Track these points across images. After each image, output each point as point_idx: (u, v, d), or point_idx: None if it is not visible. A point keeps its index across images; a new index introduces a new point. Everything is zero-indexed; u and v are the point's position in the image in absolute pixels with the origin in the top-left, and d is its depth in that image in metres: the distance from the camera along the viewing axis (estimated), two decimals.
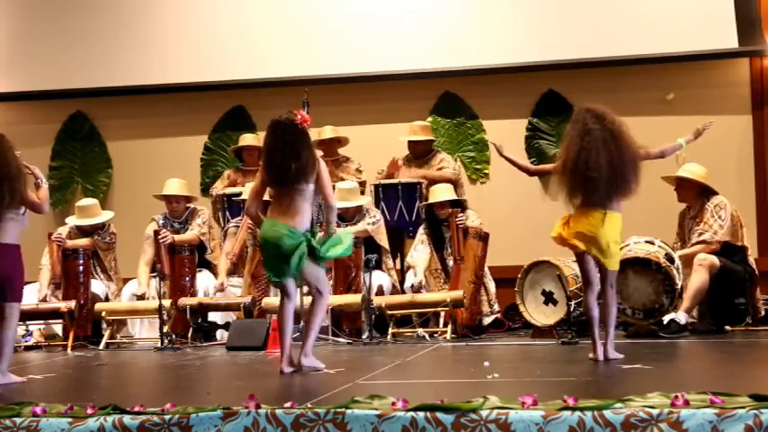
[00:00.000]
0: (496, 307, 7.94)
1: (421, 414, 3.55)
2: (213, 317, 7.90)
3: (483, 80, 9.40)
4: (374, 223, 8.05)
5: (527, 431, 3.45)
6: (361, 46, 9.48)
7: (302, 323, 5.62)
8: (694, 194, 7.40)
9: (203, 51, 9.74)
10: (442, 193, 7.98)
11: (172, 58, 9.82)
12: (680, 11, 8.92)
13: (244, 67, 9.63)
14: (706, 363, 5.90)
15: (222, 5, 9.80)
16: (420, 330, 7.48)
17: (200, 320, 7.75)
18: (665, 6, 8.97)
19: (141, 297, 8.03)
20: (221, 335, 7.68)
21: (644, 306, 7.00)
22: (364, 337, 7.22)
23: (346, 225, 8.08)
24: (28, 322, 7.66)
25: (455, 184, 8.33)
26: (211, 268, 8.44)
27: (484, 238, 7.72)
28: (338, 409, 3.62)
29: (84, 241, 8.21)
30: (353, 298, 7.45)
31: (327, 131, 8.76)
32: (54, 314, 7.65)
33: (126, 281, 8.45)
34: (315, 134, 8.58)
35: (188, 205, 8.51)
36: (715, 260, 7.04)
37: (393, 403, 3.64)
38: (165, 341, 7.25)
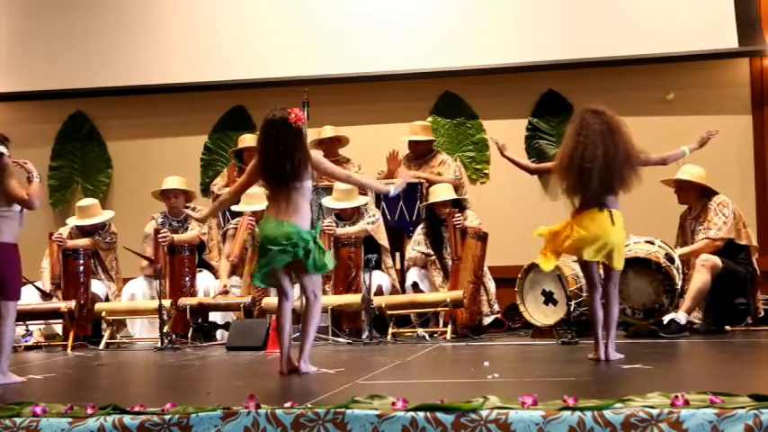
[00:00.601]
0: (496, 307, 7.94)
1: (421, 414, 3.55)
2: (213, 317, 7.90)
3: (483, 80, 9.40)
4: (373, 222, 8.06)
5: (527, 431, 3.45)
6: (361, 46, 9.48)
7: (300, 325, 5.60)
8: (695, 196, 7.41)
9: (203, 51, 9.74)
10: (442, 192, 7.98)
11: (172, 58, 9.82)
12: (680, 11, 8.92)
13: (244, 67, 9.63)
14: (706, 363, 5.90)
15: (222, 5, 9.80)
16: (420, 330, 7.48)
17: (200, 320, 7.75)
18: (665, 6, 8.97)
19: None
20: (221, 335, 7.68)
21: (644, 306, 7.00)
22: (364, 337, 7.22)
23: (344, 225, 8.08)
24: (28, 322, 7.66)
25: (457, 186, 8.32)
26: (211, 268, 8.44)
27: (483, 238, 7.72)
28: (338, 409, 3.62)
29: (84, 241, 8.21)
30: (353, 298, 7.45)
31: (328, 131, 8.76)
32: (54, 314, 7.65)
33: (126, 281, 8.45)
34: (315, 134, 8.62)
35: (187, 204, 8.51)
36: (717, 261, 7.04)
37: (393, 403, 3.63)
38: (165, 341, 7.25)
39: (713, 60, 9.06)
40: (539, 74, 9.31)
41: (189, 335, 7.58)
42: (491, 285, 7.94)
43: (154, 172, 9.44)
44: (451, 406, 3.56)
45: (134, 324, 8.21)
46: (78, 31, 9.97)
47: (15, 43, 10.13)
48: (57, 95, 10.08)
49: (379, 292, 7.69)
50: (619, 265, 5.48)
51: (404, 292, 7.94)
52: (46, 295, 8.00)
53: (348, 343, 7.17)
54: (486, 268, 7.87)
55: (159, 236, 8.02)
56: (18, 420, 3.83)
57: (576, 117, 5.51)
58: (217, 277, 8.30)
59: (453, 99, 9.60)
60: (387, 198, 8.33)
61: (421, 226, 8.11)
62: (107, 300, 8.18)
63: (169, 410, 3.77)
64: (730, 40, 8.84)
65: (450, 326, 7.38)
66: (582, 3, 9.23)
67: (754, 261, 7.37)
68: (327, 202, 8.08)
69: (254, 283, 5.80)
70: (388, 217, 8.30)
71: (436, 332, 7.49)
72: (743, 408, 3.38)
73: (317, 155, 5.51)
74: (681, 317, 6.85)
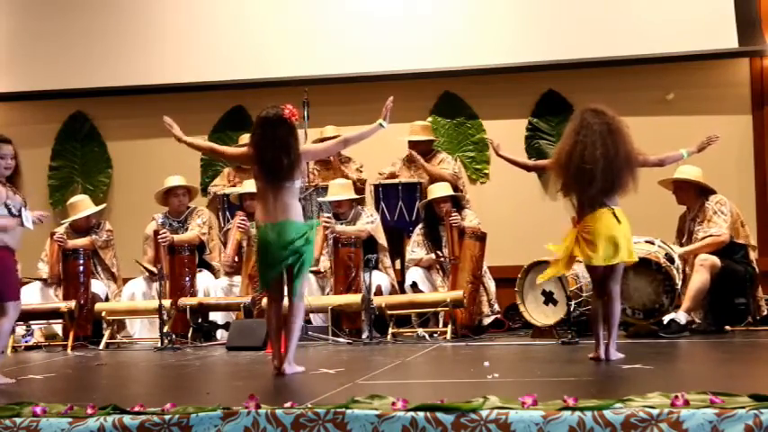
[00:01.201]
0: (496, 307, 7.94)
1: (421, 414, 3.55)
2: (213, 317, 7.90)
3: (483, 80, 9.40)
4: (372, 222, 8.07)
5: (527, 431, 3.45)
6: (361, 46, 9.48)
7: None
8: (693, 195, 7.41)
9: (203, 51, 9.74)
10: (440, 189, 7.98)
11: (172, 58, 9.82)
12: (680, 11, 8.92)
13: (244, 67, 9.62)
14: (706, 363, 5.90)
15: (222, 5, 9.80)
16: (420, 330, 7.48)
17: (200, 320, 7.75)
18: (665, 6, 8.97)
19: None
20: (221, 335, 7.68)
21: (644, 306, 7.00)
22: (364, 337, 7.22)
23: (343, 224, 8.09)
24: (29, 322, 7.66)
25: (455, 185, 8.32)
26: (211, 268, 8.44)
27: (481, 237, 7.72)
28: (338, 409, 3.63)
29: (84, 241, 8.21)
30: (353, 298, 7.45)
31: (329, 131, 8.76)
32: (54, 314, 7.65)
33: (126, 281, 8.45)
34: (317, 133, 8.63)
35: (188, 204, 8.51)
36: (716, 260, 7.04)
37: (393, 403, 3.64)
38: (165, 341, 7.25)
39: (713, 60, 9.06)
40: (539, 74, 9.31)
41: (189, 335, 7.58)
42: (491, 285, 7.93)
43: (154, 172, 9.43)
44: (451, 406, 3.57)
45: (134, 324, 8.21)
46: (78, 31, 9.97)
47: (15, 43, 10.13)
48: (57, 95, 10.07)
49: (378, 292, 7.69)
50: (631, 256, 5.49)
51: (403, 292, 7.94)
52: (47, 284, 8.05)
53: (348, 343, 7.17)
54: (486, 268, 7.87)
55: (159, 236, 8.02)
56: (18, 420, 3.83)
57: (576, 116, 5.51)
58: (217, 277, 8.31)
59: (453, 99, 9.59)
60: (387, 198, 8.35)
61: (419, 226, 8.11)
62: (107, 299, 8.18)
63: (169, 410, 3.77)
64: (730, 40, 8.84)
65: (450, 326, 7.38)
66: (582, 3, 9.22)
67: (754, 260, 7.37)
68: (325, 198, 8.15)
69: (258, 291, 5.80)
70: (388, 217, 8.30)
71: (436, 332, 7.49)
72: (743, 408, 3.38)
73: (302, 146, 5.48)
74: (681, 317, 6.85)
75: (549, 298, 7.30)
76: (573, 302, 7.01)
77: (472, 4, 9.44)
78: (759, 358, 5.93)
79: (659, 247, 7.09)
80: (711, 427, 3.35)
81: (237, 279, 8.15)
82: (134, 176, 9.99)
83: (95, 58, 9.89)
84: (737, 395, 3.50)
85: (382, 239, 8.08)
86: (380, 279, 7.88)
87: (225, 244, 8.35)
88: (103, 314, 7.74)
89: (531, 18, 9.31)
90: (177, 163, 9.42)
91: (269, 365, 5.38)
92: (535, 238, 8.43)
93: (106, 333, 7.71)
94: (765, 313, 7.36)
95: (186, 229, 8.38)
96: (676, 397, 3.47)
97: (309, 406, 3.72)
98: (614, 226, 5.38)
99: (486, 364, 5.38)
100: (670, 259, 7.01)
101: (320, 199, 8.23)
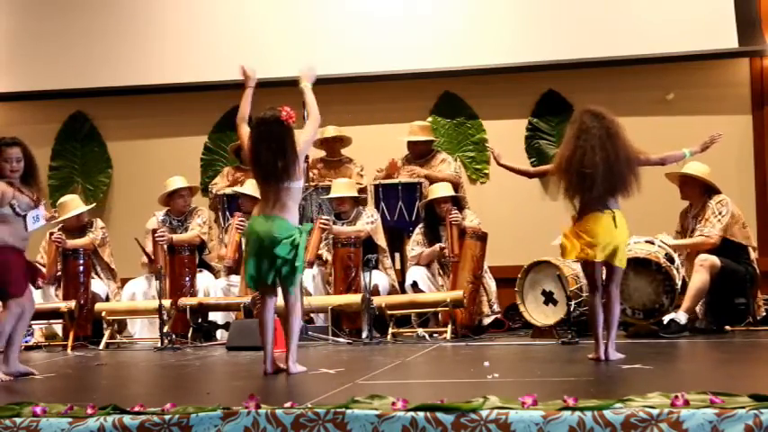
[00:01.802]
0: (497, 307, 7.94)
1: (421, 414, 3.55)
2: (213, 317, 7.90)
3: (483, 80, 9.40)
4: (372, 222, 8.07)
5: (527, 431, 3.45)
6: (361, 46, 9.47)
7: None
8: (698, 193, 7.41)
9: (203, 51, 9.73)
10: (441, 189, 7.98)
11: (172, 58, 9.82)
12: (680, 11, 8.92)
13: None
14: (706, 363, 5.90)
15: (222, 5, 9.79)
16: (420, 330, 7.48)
17: (200, 320, 7.75)
18: (665, 6, 8.97)
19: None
20: (221, 335, 7.68)
21: (644, 306, 7.00)
22: (364, 337, 7.22)
23: (343, 224, 8.09)
24: (29, 322, 7.64)
25: (456, 185, 8.32)
26: (211, 268, 8.44)
27: (482, 237, 7.72)
28: (338, 409, 3.62)
29: (83, 241, 8.21)
30: (353, 298, 7.46)
31: (330, 131, 8.76)
32: (54, 314, 7.65)
33: (125, 281, 8.45)
34: (318, 133, 8.62)
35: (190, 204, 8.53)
36: (716, 260, 7.04)
37: (393, 403, 3.64)
38: (165, 341, 7.25)
39: (713, 60, 9.06)
40: (539, 74, 9.31)
41: (189, 335, 7.58)
42: (491, 285, 7.93)
43: (154, 172, 9.44)
44: (451, 406, 3.57)
45: (134, 324, 8.21)
46: (78, 31, 9.96)
47: (15, 43, 10.13)
48: (57, 95, 10.07)
49: (376, 292, 7.68)
50: (622, 263, 5.50)
51: (403, 292, 7.94)
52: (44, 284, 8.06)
53: (348, 343, 7.17)
54: (486, 268, 7.87)
55: (156, 235, 8.02)
56: (18, 420, 3.83)
57: (575, 119, 5.51)
58: (217, 277, 8.31)
59: (453, 99, 9.59)
60: (386, 198, 8.34)
61: (420, 226, 8.11)
62: (107, 299, 8.18)
63: (169, 410, 3.77)
64: (730, 40, 8.84)
65: (449, 326, 7.38)
66: (582, 3, 9.22)
67: (754, 260, 7.37)
68: (328, 195, 8.17)
69: (247, 286, 5.80)
70: (388, 217, 8.30)
71: (436, 332, 7.49)
72: (743, 408, 3.38)
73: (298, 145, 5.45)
74: (681, 317, 6.85)
75: (549, 298, 7.30)
76: (573, 302, 7.00)
77: (472, 4, 9.44)
78: (759, 358, 5.93)
79: (659, 247, 7.09)
80: (711, 427, 3.35)
81: (236, 279, 8.15)
82: (134, 176, 9.99)
83: (95, 58, 9.89)
84: (737, 395, 3.50)
85: (381, 241, 8.08)
86: (379, 279, 7.87)
87: (225, 244, 8.35)
88: (103, 314, 7.74)
89: (531, 18, 9.31)
90: (177, 163, 9.43)
91: None
92: (535, 238, 8.47)
93: (106, 333, 7.70)
94: (765, 314, 7.36)
95: (186, 229, 8.38)
96: (676, 397, 3.47)
97: (309, 406, 3.72)
98: (611, 229, 5.40)
99: (486, 364, 5.38)
100: (670, 259, 7.01)
101: (324, 197, 8.23)
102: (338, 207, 8.19)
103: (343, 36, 9.53)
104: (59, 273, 8.03)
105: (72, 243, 8.12)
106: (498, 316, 7.99)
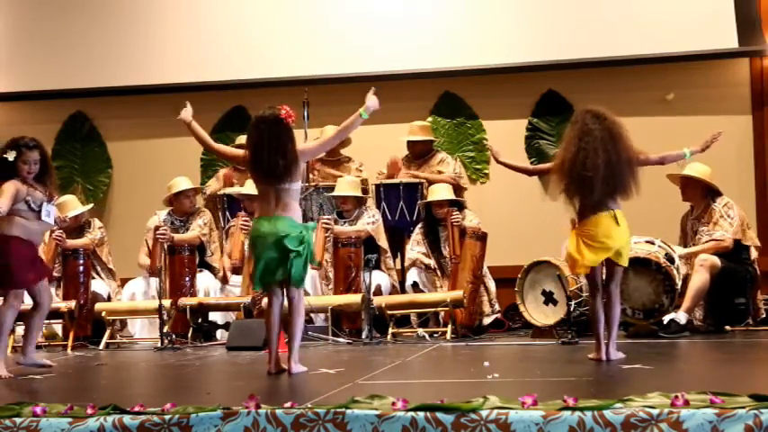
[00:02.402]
0: (497, 307, 7.94)
1: (421, 414, 3.55)
2: (213, 317, 7.90)
3: (483, 80, 9.40)
4: (374, 223, 8.07)
5: (527, 431, 3.45)
6: (361, 46, 9.48)
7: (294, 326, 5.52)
8: (700, 194, 7.40)
9: (203, 51, 9.73)
10: (440, 191, 7.98)
11: (172, 58, 9.82)
12: (680, 11, 8.92)
13: (244, 67, 9.62)
14: (706, 363, 5.90)
15: (222, 5, 9.80)
16: (420, 330, 7.49)
17: (200, 320, 7.75)
18: (665, 6, 8.97)
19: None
20: (221, 335, 7.68)
21: (644, 306, 7.00)
22: (364, 337, 7.22)
23: (344, 223, 8.09)
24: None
25: (457, 186, 8.32)
26: (211, 268, 8.44)
27: (482, 237, 7.72)
28: (338, 409, 3.62)
29: (83, 241, 8.21)
30: (353, 298, 7.45)
31: (329, 131, 8.73)
32: (54, 314, 7.63)
33: (125, 281, 8.44)
34: (317, 133, 8.62)
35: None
36: (716, 260, 7.04)
37: (393, 403, 3.63)
38: (165, 341, 7.25)
39: (713, 60, 9.06)
40: (539, 74, 9.31)
41: (189, 335, 7.58)
42: (492, 285, 7.93)
43: (154, 172, 9.44)
44: (451, 406, 3.56)
45: (134, 324, 8.21)
46: (78, 31, 9.97)
47: (15, 43, 10.13)
48: (57, 95, 10.07)
49: (378, 292, 7.69)
50: (624, 261, 5.50)
51: (404, 292, 7.94)
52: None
53: (348, 343, 7.17)
54: (486, 268, 7.87)
55: (158, 233, 8.01)
56: (18, 420, 3.83)
57: (576, 119, 5.49)
58: (217, 277, 8.30)
59: (453, 99, 9.60)
60: (388, 198, 8.34)
61: (419, 226, 8.11)
62: (109, 299, 8.18)
63: (169, 410, 3.76)
64: (730, 40, 8.84)
65: (450, 326, 7.38)
66: (582, 3, 9.22)
67: (755, 261, 7.37)
68: (332, 193, 8.19)
69: (254, 289, 5.79)
70: (389, 217, 8.30)
71: (436, 332, 7.49)
72: (743, 408, 3.38)
73: (299, 146, 5.42)
74: (681, 317, 6.85)
75: (548, 298, 7.30)
76: (573, 302, 7.00)
77: (472, 4, 9.44)
78: (759, 358, 5.93)
79: (659, 247, 7.09)
80: (711, 427, 3.35)
81: (236, 279, 8.15)
82: (134, 176, 10.00)
83: (95, 58, 9.89)
84: (737, 395, 3.49)
85: (382, 241, 8.08)
86: (380, 279, 7.88)
87: (226, 241, 8.35)
88: (104, 314, 7.74)
89: (531, 18, 9.31)
90: (177, 163, 9.43)
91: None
92: (535, 238, 8.48)
93: (106, 333, 7.70)
94: (764, 315, 7.36)
95: (187, 229, 8.38)
96: (676, 397, 3.47)
97: (309, 406, 3.71)
98: (614, 231, 5.39)
99: (486, 364, 5.38)
100: (670, 259, 7.01)
101: (328, 194, 8.23)
102: (341, 205, 8.19)
103: (343, 36, 9.53)
104: (57, 271, 8.03)
105: (72, 243, 8.11)
106: (498, 316, 7.99)
